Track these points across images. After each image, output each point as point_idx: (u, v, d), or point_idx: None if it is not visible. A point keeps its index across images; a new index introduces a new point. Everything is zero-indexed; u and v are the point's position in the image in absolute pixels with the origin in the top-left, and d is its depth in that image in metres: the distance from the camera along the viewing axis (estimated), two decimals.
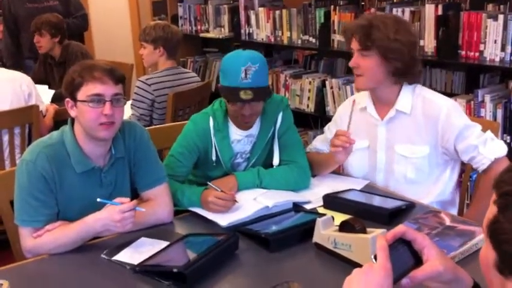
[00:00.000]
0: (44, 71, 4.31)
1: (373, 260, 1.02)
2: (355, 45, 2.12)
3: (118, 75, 1.84)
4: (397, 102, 2.16)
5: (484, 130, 2.14)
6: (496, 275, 0.88)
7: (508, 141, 2.95)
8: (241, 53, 2.09)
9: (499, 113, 2.97)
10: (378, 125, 2.21)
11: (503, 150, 2.08)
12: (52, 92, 3.84)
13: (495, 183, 0.90)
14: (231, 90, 2.03)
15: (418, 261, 1.06)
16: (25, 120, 3.24)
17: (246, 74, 2.00)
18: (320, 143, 2.42)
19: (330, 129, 2.40)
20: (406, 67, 2.10)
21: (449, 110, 2.10)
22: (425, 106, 2.13)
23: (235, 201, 1.98)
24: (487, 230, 0.89)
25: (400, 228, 1.08)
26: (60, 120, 3.33)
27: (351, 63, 2.15)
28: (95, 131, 1.81)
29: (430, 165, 2.15)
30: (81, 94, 1.80)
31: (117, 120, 1.84)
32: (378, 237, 1.07)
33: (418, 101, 2.15)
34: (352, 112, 2.16)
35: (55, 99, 3.73)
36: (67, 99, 1.84)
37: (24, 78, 3.35)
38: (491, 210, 0.89)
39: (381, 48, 2.07)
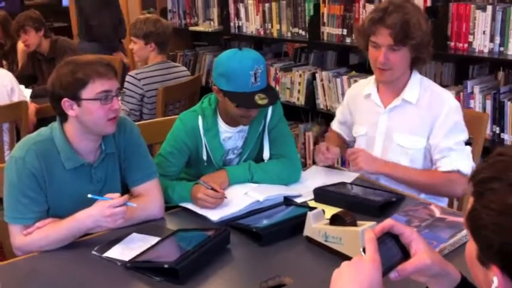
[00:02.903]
0: (32, 67, 4.28)
1: (362, 253, 1.02)
2: (385, 40, 2.06)
3: (114, 67, 1.84)
4: (404, 91, 2.17)
5: (473, 121, 2.15)
6: (479, 267, 0.89)
7: (498, 132, 2.97)
8: (243, 57, 1.99)
9: (488, 104, 2.98)
10: (381, 113, 2.22)
11: (469, 169, 2.08)
12: (29, 91, 3.81)
13: (471, 175, 0.90)
14: (245, 97, 1.97)
15: (406, 255, 1.07)
16: (13, 116, 3.23)
17: (255, 77, 1.97)
18: (335, 124, 2.53)
19: (340, 112, 2.50)
20: (427, 56, 2.14)
21: (452, 109, 2.12)
22: (432, 99, 2.15)
23: (225, 197, 1.98)
24: (466, 222, 0.90)
25: (388, 222, 1.08)
26: (42, 118, 3.33)
27: (381, 59, 2.07)
28: (102, 128, 1.81)
29: (425, 159, 2.16)
30: (88, 92, 1.76)
31: (119, 113, 1.85)
32: (366, 230, 1.08)
33: (427, 93, 2.16)
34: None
35: (34, 98, 3.71)
36: (65, 99, 1.77)
37: (5, 73, 3.35)
38: (470, 201, 0.89)
39: (415, 45, 2.07)
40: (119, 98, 1.84)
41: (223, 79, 2.00)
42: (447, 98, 2.15)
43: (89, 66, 1.77)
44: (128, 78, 3.34)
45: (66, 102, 1.78)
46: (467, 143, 2.17)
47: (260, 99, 1.97)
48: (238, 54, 2.01)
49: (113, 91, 1.79)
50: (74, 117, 1.80)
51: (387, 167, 2.14)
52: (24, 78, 4.10)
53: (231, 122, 2.14)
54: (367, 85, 2.31)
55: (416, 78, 2.19)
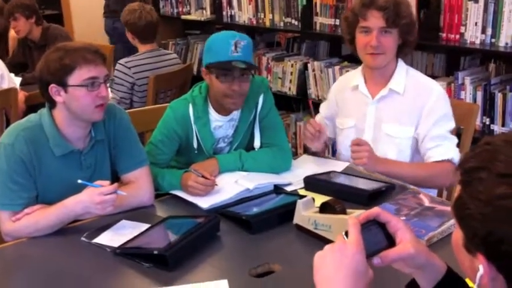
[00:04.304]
0: (23, 54, 4.25)
1: (344, 236, 1.02)
2: (377, 22, 2.07)
3: (103, 55, 1.83)
4: (391, 81, 2.18)
5: (463, 112, 2.16)
6: (465, 255, 0.89)
7: (488, 123, 2.98)
8: (227, 32, 2.09)
9: (479, 95, 2.99)
10: (369, 104, 2.22)
11: (457, 158, 2.09)
12: (19, 79, 3.79)
13: (459, 163, 0.90)
14: (222, 64, 1.99)
15: (391, 243, 1.06)
16: (3, 103, 3.20)
17: (236, 47, 1.98)
18: (317, 119, 2.42)
19: (324, 106, 2.46)
20: (414, 40, 2.15)
21: (439, 97, 2.13)
22: (419, 88, 2.16)
23: (215, 184, 1.98)
24: (453, 210, 0.90)
25: (374, 210, 1.08)
26: (31, 105, 3.31)
27: (374, 43, 2.08)
28: (89, 114, 1.79)
29: (412, 148, 2.17)
30: (74, 79, 1.76)
31: (108, 100, 1.83)
32: (350, 217, 1.07)
33: (412, 82, 2.17)
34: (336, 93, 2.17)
35: (24, 85, 3.69)
36: (52, 85, 1.77)
37: None
38: (457, 190, 0.89)
39: (405, 26, 2.10)
40: (108, 85, 1.83)
41: (207, 54, 2.05)
42: (434, 87, 2.16)
43: (76, 52, 1.76)
44: (118, 66, 3.33)
45: (53, 88, 1.78)
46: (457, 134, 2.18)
47: (236, 64, 1.97)
48: (224, 31, 2.11)
49: (100, 78, 1.78)
50: (62, 103, 1.79)
51: (384, 164, 2.12)
52: (15, 66, 4.07)
53: (222, 110, 2.13)
54: (353, 77, 2.31)
55: (402, 67, 2.20)
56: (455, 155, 2.09)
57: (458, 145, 2.16)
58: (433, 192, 2.19)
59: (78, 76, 1.76)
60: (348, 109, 2.29)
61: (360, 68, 2.31)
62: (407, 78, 2.18)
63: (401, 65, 2.20)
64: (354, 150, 2.07)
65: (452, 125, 2.15)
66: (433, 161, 2.10)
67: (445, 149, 2.09)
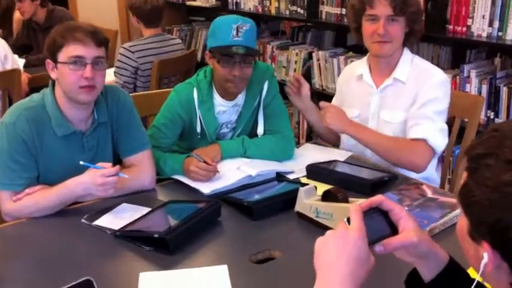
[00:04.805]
0: (27, 36, 4.24)
1: (346, 223, 1.01)
2: (384, 10, 2.06)
3: (100, 37, 1.80)
4: (395, 70, 2.16)
5: (469, 104, 2.13)
6: (470, 243, 0.88)
7: (492, 117, 2.96)
8: (230, 15, 2.07)
9: (484, 88, 2.97)
10: (373, 93, 2.21)
11: (437, 144, 2.05)
12: (23, 61, 3.77)
13: (466, 150, 0.89)
14: (223, 49, 1.98)
15: (394, 231, 1.05)
16: (6, 84, 3.19)
17: (237, 31, 1.97)
18: None
19: (335, 97, 2.45)
20: (420, 28, 2.14)
21: (437, 82, 2.10)
22: (420, 74, 2.13)
23: (217, 171, 1.97)
24: (459, 197, 0.89)
25: (377, 198, 1.07)
26: (34, 87, 3.30)
27: (381, 31, 2.06)
28: (75, 94, 1.78)
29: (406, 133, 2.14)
30: (62, 55, 1.76)
31: (98, 84, 1.80)
32: (352, 204, 1.06)
33: (416, 70, 2.15)
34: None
35: (27, 67, 3.67)
36: (48, 60, 1.80)
37: None
38: (463, 177, 0.88)
39: (412, 15, 2.08)
40: (102, 68, 1.80)
41: (210, 38, 2.05)
42: (435, 73, 2.13)
43: (70, 30, 1.77)
44: (121, 50, 3.31)
45: (49, 64, 1.80)
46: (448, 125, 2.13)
47: (237, 50, 1.96)
48: (228, 15, 2.08)
49: (87, 58, 1.76)
50: (57, 80, 1.81)
51: (353, 127, 2.11)
52: (18, 48, 4.05)
53: (226, 94, 2.12)
54: (358, 67, 2.30)
55: (407, 56, 2.18)
56: (431, 136, 2.03)
57: (458, 136, 2.12)
58: (436, 184, 2.18)
59: (65, 53, 1.76)
60: (353, 99, 2.28)
61: (365, 57, 2.29)
62: (411, 66, 2.16)
63: (407, 53, 2.18)
64: (321, 113, 2.12)
65: (440, 108, 2.08)
66: (409, 138, 2.07)
67: (422, 128, 2.05)
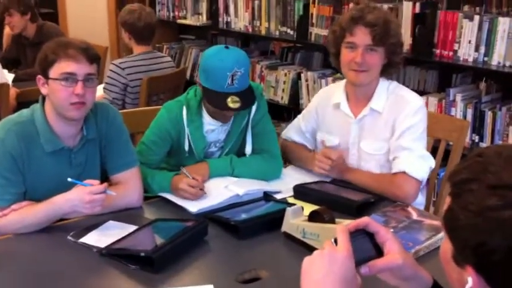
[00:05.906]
0: (16, 51, 4.23)
1: (334, 243, 1.02)
2: (364, 39, 2.04)
3: (93, 54, 1.81)
4: (372, 100, 2.15)
5: (454, 128, 2.14)
6: (453, 267, 0.89)
7: (477, 141, 3.00)
8: (226, 56, 1.98)
9: (469, 112, 3.02)
10: (351, 123, 2.20)
11: (417, 173, 2.03)
12: (12, 75, 3.76)
13: (450, 175, 0.90)
14: (217, 96, 1.97)
15: (379, 253, 1.06)
16: None
17: (232, 79, 1.96)
18: (295, 135, 2.40)
19: (304, 120, 2.39)
20: (398, 62, 2.14)
21: (413, 110, 2.09)
22: (396, 102, 2.13)
23: (204, 192, 1.98)
24: (443, 221, 0.90)
25: (363, 219, 1.08)
26: (22, 102, 3.29)
27: (358, 60, 2.05)
28: (65, 111, 1.78)
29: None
30: (54, 72, 1.76)
31: (89, 100, 1.80)
32: (338, 225, 1.07)
33: (392, 98, 2.15)
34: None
35: (16, 82, 3.66)
36: (39, 76, 1.80)
37: None
38: (447, 202, 0.90)
39: (392, 46, 2.08)
40: (93, 85, 1.81)
41: (204, 75, 2.01)
42: (410, 100, 2.12)
43: (62, 46, 1.78)
44: (111, 67, 3.32)
45: (40, 79, 1.81)
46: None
47: (232, 102, 1.95)
48: (223, 52, 2.00)
49: (79, 75, 1.76)
50: (47, 95, 1.81)
51: (349, 174, 2.14)
52: (7, 62, 4.04)
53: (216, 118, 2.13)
54: (335, 94, 2.26)
55: (383, 85, 2.16)
56: (409, 167, 2.03)
57: (443, 158, 2.13)
58: (421, 206, 2.20)
59: (57, 69, 1.76)
60: (331, 126, 2.26)
61: (342, 83, 2.27)
62: (387, 95, 2.15)
63: (383, 82, 2.17)
64: (318, 159, 2.12)
65: (417, 134, 2.07)
66: (392, 172, 2.08)
67: (400, 161, 2.06)
